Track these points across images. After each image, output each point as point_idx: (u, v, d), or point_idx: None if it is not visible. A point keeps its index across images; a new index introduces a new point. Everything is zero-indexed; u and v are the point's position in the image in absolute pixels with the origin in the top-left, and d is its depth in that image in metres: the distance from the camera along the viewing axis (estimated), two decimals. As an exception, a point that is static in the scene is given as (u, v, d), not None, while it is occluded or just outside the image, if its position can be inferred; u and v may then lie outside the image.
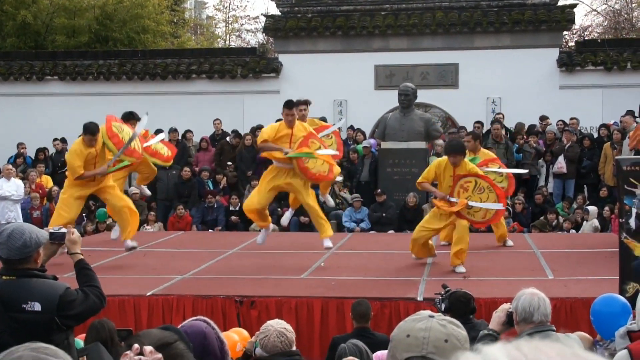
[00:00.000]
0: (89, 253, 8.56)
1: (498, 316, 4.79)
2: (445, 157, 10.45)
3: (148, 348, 2.59)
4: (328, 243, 10.97)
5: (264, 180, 11.02)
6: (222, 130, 19.21)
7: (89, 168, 10.81)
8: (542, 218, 15.62)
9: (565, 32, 22.99)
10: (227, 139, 18.56)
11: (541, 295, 4.66)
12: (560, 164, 16.81)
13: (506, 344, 1.21)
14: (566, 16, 19.69)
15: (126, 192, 13.63)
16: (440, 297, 6.87)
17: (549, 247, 12.05)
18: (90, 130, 10.93)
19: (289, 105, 10.91)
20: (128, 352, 2.60)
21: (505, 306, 4.80)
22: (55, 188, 16.91)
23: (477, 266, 10.18)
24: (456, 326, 2.37)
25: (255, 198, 10.96)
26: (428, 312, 2.43)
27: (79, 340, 5.86)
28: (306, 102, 12.00)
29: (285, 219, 12.46)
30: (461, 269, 10.10)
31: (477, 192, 10.09)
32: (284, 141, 10.71)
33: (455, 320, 2.43)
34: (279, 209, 15.61)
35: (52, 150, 19.30)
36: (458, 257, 10.17)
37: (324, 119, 19.04)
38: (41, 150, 19.07)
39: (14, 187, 15.56)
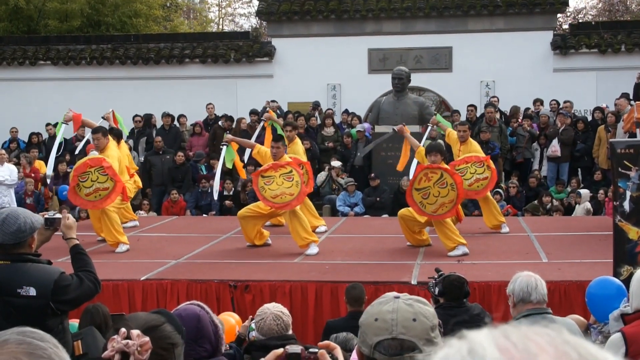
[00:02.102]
0: (83, 238, 8.56)
1: None
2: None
3: (135, 332, 2.58)
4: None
5: None
6: (215, 114, 19.16)
7: None
8: (534, 202, 15.64)
9: (559, 15, 22.98)
10: (220, 122, 18.51)
11: (537, 276, 4.67)
12: (554, 147, 16.81)
13: (493, 330, 1.17)
14: (560, -1, 19.66)
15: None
16: (433, 281, 6.88)
17: (543, 231, 12.08)
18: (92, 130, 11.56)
19: (275, 139, 11.02)
20: (115, 336, 2.60)
21: None
22: (50, 173, 16.87)
23: (470, 250, 10.19)
24: (423, 304, 2.39)
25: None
26: (393, 294, 2.45)
27: (74, 324, 5.86)
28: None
29: None
30: (463, 249, 10.15)
31: (439, 186, 10.10)
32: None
33: (421, 298, 2.44)
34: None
35: (45, 136, 19.23)
36: (450, 240, 10.22)
37: (317, 103, 19.07)
38: (34, 135, 19.01)
39: (8, 171, 15.50)
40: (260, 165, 11.60)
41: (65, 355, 1.56)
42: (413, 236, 10.78)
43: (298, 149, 12.31)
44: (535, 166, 17.32)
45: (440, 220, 10.18)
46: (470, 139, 12.26)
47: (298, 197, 10.48)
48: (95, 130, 11.40)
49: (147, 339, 2.55)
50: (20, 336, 1.56)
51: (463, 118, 17.81)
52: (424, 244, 10.80)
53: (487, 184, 11.61)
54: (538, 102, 18.31)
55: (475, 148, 12.02)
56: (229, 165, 12.03)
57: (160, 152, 17.33)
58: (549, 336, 1.14)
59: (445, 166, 10.43)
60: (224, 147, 11.64)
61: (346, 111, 19.05)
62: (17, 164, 16.60)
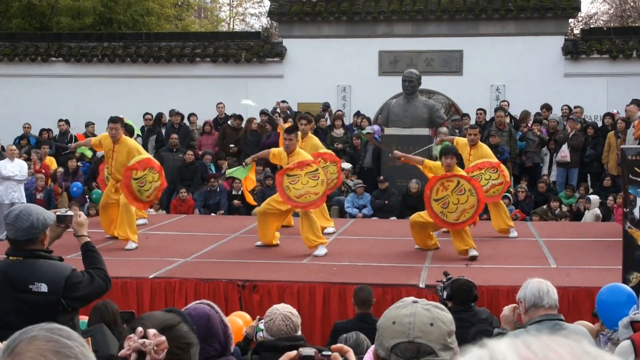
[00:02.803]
0: (92, 235, 8.58)
1: (505, 315, 4.83)
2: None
3: (152, 331, 2.59)
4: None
5: None
6: (225, 114, 19.20)
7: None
8: (544, 206, 15.61)
9: (570, 20, 22.92)
10: (229, 122, 18.55)
11: (548, 282, 4.67)
12: (564, 153, 16.78)
13: (514, 340, 1.18)
14: (572, 4, 19.62)
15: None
16: (442, 285, 6.89)
17: (552, 236, 12.06)
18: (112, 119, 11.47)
19: (288, 130, 10.98)
20: (132, 335, 2.61)
21: (512, 305, 4.83)
22: (60, 169, 16.93)
23: (479, 254, 10.19)
24: (440, 309, 2.41)
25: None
26: (412, 298, 2.47)
27: (83, 321, 5.89)
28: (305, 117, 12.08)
29: None
30: (473, 252, 10.15)
31: (457, 193, 10.09)
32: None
33: (439, 304, 2.47)
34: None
35: (56, 132, 19.29)
36: (464, 243, 10.20)
37: (327, 105, 19.07)
38: (45, 131, 19.06)
39: (18, 167, 15.54)
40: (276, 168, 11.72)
41: (91, 355, 1.57)
42: (424, 241, 10.78)
43: (316, 143, 12.33)
44: (545, 171, 17.29)
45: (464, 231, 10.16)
46: (481, 143, 12.22)
47: (323, 196, 10.59)
48: (115, 120, 11.42)
49: (163, 338, 2.56)
50: (49, 333, 1.57)
51: (473, 122, 17.80)
52: (432, 248, 10.79)
53: (502, 189, 11.59)
54: (544, 108, 18.23)
55: (486, 152, 11.97)
56: (240, 176, 12.05)
57: (174, 150, 17.37)
58: (569, 346, 1.14)
59: (461, 172, 10.41)
60: (245, 167, 11.66)
61: (357, 113, 19.05)
62: (28, 160, 16.64)
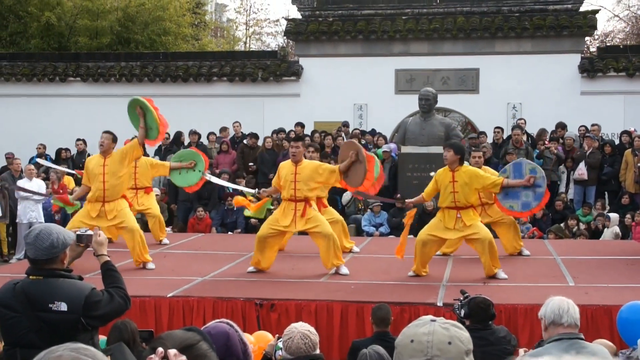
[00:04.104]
0: (110, 253, 8.62)
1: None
2: (444, 167, 10.38)
3: (172, 351, 2.60)
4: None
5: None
6: (241, 132, 19.29)
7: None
8: (559, 224, 15.52)
9: (587, 38, 22.90)
10: (245, 141, 18.62)
11: (570, 301, 4.67)
12: (581, 171, 16.73)
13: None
14: (588, 22, 19.63)
15: None
16: (459, 303, 6.88)
17: (569, 254, 12.01)
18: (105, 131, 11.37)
19: (295, 138, 10.85)
20: (152, 355, 2.62)
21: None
22: (77, 188, 17.00)
23: (475, 273, 10.15)
24: (458, 328, 2.42)
25: None
26: (430, 317, 2.49)
27: (102, 340, 5.91)
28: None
29: None
30: (502, 275, 10.07)
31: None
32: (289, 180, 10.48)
33: (458, 323, 2.48)
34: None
35: (74, 151, 19.42)
36: (494, 264, 10.11)
37: (346, 124, 19.11)
38: (64, 150, 19.18)
39: (36, 187, 15.66)
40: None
41: None
42: (424, 263, 10.33)
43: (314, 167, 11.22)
44: (562, 189, 17.23)
45: (490, 242, 10.03)
46: (485, 167, 11.83)
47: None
48: (107, 131, 11.26)
49: (184, 357, 2.58)
50: (74, 353, 1.59)
51: (490, 140, 17.80)
52: (423, 275, 10.35)
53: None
54: (559, 127, 18.16)
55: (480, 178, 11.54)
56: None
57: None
58: None
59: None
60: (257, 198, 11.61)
61: (371, 131, 19.08)
62: (46, 180, 16.75)
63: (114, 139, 11.32)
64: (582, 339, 4.55)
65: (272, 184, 11.05)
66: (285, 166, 10.62)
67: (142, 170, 12.88)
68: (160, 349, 2.54)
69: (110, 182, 10.88)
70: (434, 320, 2.43)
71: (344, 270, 10.43)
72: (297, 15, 21.38)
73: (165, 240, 13.19)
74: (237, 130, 19.36)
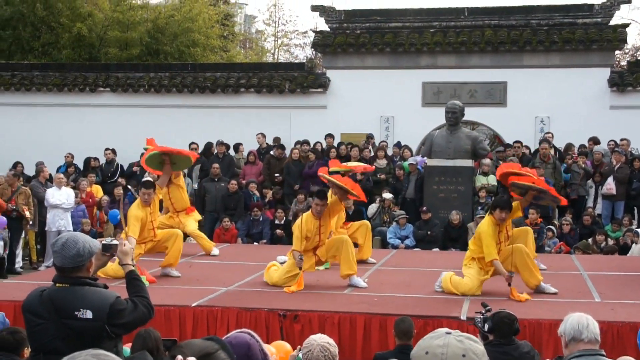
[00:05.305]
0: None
1: None
2: (489, 221, 9.97)
3: (191, 359, 2.64)
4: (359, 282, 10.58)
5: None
6: (266, 144, 19.38)
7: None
8: (585, 240, 15.38)
9: (617, 52, 22.74)
10: (271, 152, 18.72)
11: (589, 316, 4.64)
12: (610, 185, 16.60)
13: None
14: (618, 36, 19.50)
15: None
16: (481, 317, 6.85)
17: (596, 269, 11.91)
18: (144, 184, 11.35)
19: (320, 195, 10.60)
20: (171, 363, 2.66)
21: None
22: (106, 198, 17.17)
23: (521, 286, 10.09)
24: (473, 341, 2.43)
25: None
26: (445, 329, 2.50)
27: (126, 349, 5.96)
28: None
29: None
30: (551, 289, 10.00)
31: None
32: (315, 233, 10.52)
33: (472, 336, 2.49)
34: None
35: (102, 160, 19.61)
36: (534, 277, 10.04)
37: (371, 136, 19.13)
38: (93, 159, 19.37)
39: (65, 195, 15.85)
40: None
41: None
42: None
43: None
44: (590, 204, 17.10)
45: (525, 254, 9.96)
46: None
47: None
48: (148, 185, 11.16)
49: (202, 366, 2.61)
50: (95, 359, 1.62)
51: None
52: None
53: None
54: (591, 140, 18.04)
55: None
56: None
57: (216, 180, 17.55)
58: None
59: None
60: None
61: (397, 144, 19.09)
62: (75, 188, 16.91)
63: (154, 189, 11.32)
64: (603, 355, 4.52)
65: (296, 246, 10.51)
66: (309, 221, 10.48)
67: (175, 195, 13.15)
68: (179, 357, 2.58)
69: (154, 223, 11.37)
70: (449, 333, 2.44)
71: (361, 282, 10.52)
72: (325, 27, 21.45)
73: (215, 251, 13.35)
74: (262, 141, 19.45)
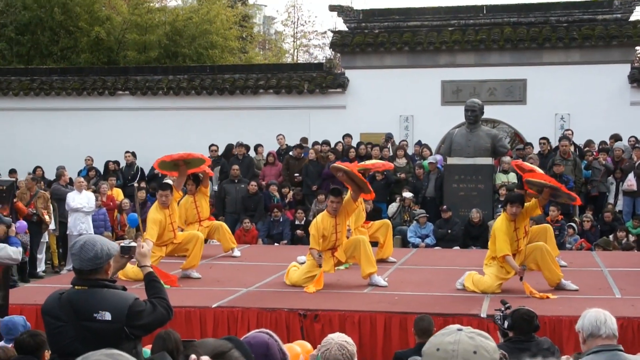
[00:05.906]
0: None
1: None
2: (502, 218, 10.02)
3: (204, 358, 2.66)
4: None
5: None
6: (286, 144, 19.40)
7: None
8: (605, 237, 15.29)
9: (637, 48, 22.58)
10: (290, 152, 18.74)
11: (607, 312, 4.63)
12: (630, 182, 16.50)
13: None
14: (638, 32, 19.33)
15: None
16: (500, 314, 6.84)
17: (617, 266, 11.85)
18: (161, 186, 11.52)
19: (335, 193, 10.62)
20: (185, 362, 2.67)
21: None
22: (126, 201, 17.24)
23: (541, 283, 10.06)
24: (484, 338, 2.43)
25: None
26: (457, 326, 2.50)
27: (147, 350, 6.00)
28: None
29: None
30: (572, 286, 10.02)
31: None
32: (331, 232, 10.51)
33: (484, 332, 2.49)
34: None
35: (122, 164, 19.70)
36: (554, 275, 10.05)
37: (390, 136, 19.11)
38: (112, 163, 19.48)
39: (86, 199, 15.93)
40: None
41: None
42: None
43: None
44: (611, 200, 17.00)
45: (546, 252, 9.97)
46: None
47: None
48: (165, 187, 11.24)
49: (215, 364, 2.63)
50: (109, 358, 1.63)
51: (537, 150, 17.65)
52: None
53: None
54: (613, 138, 17.94)
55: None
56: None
57: (236, 181, 17.59)
58: None
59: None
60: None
61: (418, 142, 19.06)
62: (96, 192, 17.00)
63: (171, 190, 11.33)
64: (621, 350, 4.50)
65: (313, 245, 10.56)
66: (324, 224, 10.50)
67: (202, 203, 13.28)
68: (193, 356, 2.60)
69: (175, 226, 11.49)
70: (460, 330, 2.44)
71: (382, 280, 10.56)
72: (343, 27, 21.44)
73: (237, 252, 13.40)
74: (282, 142, 19.48)
